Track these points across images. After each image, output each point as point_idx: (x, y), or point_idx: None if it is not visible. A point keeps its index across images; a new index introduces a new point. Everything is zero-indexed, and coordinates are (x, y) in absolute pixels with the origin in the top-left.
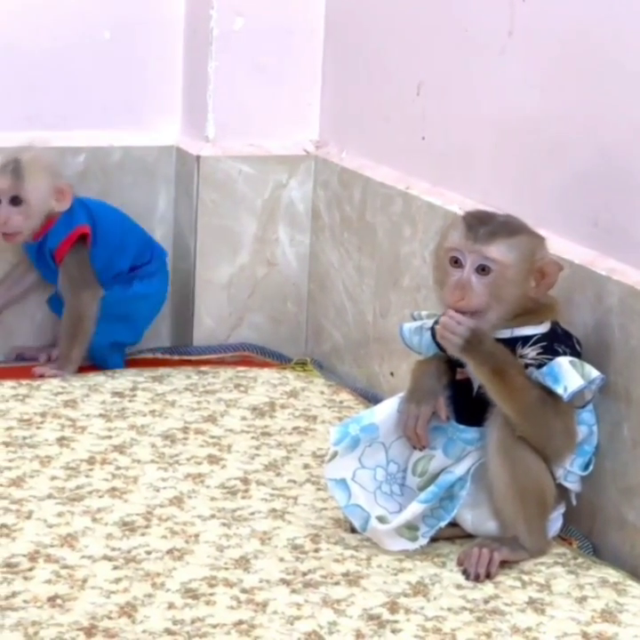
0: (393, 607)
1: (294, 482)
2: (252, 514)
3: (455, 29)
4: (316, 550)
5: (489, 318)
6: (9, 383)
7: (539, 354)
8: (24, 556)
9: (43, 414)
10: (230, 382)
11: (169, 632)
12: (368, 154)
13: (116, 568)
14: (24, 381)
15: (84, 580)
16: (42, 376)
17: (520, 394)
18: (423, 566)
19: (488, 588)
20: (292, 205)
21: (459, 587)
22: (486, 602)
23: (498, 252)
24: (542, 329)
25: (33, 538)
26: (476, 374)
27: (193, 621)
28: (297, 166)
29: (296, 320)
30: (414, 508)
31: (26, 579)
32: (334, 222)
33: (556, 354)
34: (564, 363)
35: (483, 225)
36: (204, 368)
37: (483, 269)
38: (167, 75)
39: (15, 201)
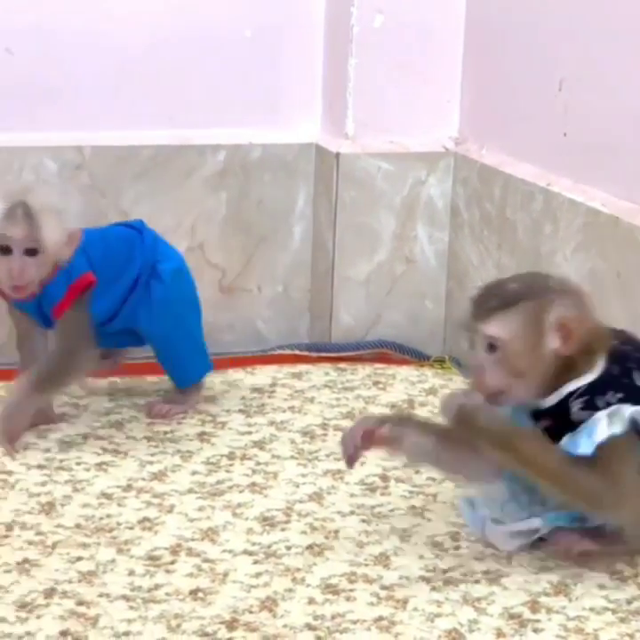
0: (534, 606)
1: (433, 479)
2: (392, 511)
3: (597, 23)
4: (456, 548)
5: (518, 393)
6: (151, 379)
7: (581, 408)
8: (166, 549)
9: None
10: (369, 379)
11: (309, 627)
12: (508, 150)
13: (256, 562)
14: (166, 377)
15: (225, 574)
16: None
17: (536, 463)
18: (565, 565)
19: (631, 589)
20: (431, 202)
21: (601, 587)
22: (629, 602)
23: (495, 328)
24: (590, 377)
25: (174, 531)
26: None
27: (333, 617)
28: (436, 163)
29: (434, 317)
30: (536, 523)
31: (168, 572)
32: (474, 219)
33: (597, 408)
34: (600, 418)
35: (485, 301)
36: (342, 365)
37: (491, 348)
38: (307, 72)
39: (31, 251)
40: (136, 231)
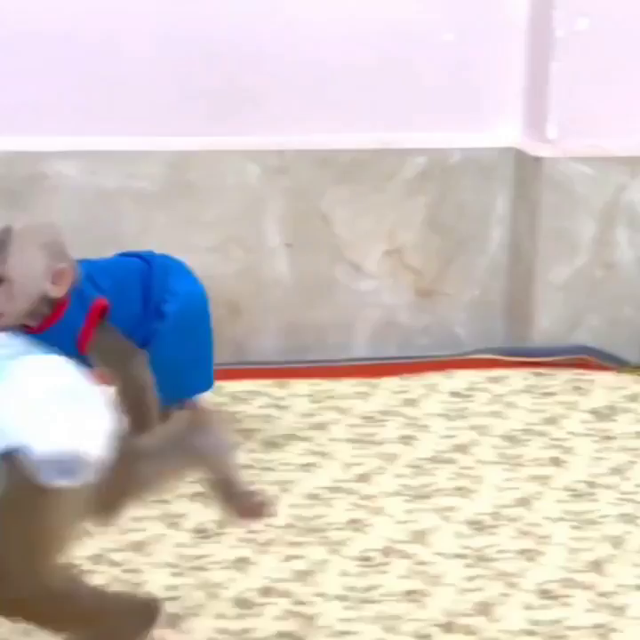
0: None
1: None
2: (602, 517)
3: None
4: None
5: None
6: (349, 381)
7: None
8: (377, 550)
9: (385, 413)
10: (568, 385)
11: (526, 632)
12: None
13: (468, 566)
14: (363, 379)
15: (438, 577)
16: None
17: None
18: None
19: None
20: (632, 207)
21: None
22: None
23: None
24: None
25: (384, 533)
26: None
27: (551, 623)
28: (638, 167)
29: (634, 323)
30: None
31: (381, 573)
32: None
33: None
34: None
35: None
36: (540, 369)
37: None
38: (507, 76)
39: None
40: (145, 262)
